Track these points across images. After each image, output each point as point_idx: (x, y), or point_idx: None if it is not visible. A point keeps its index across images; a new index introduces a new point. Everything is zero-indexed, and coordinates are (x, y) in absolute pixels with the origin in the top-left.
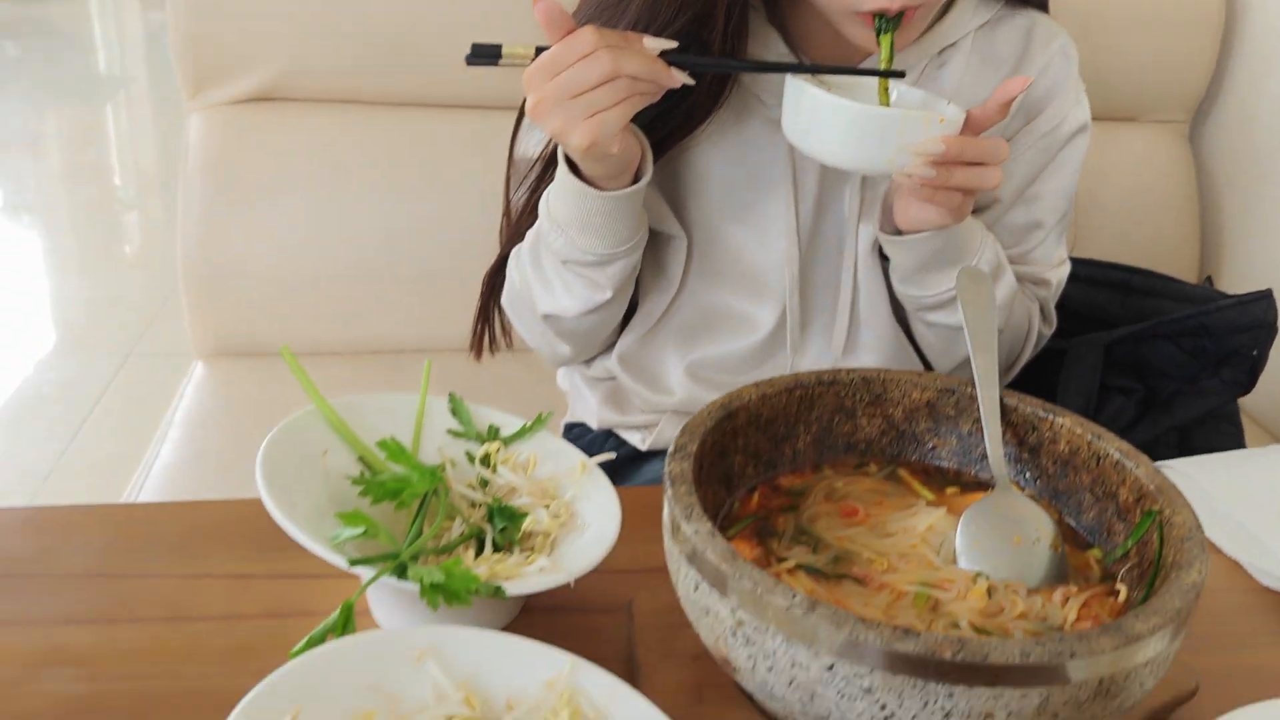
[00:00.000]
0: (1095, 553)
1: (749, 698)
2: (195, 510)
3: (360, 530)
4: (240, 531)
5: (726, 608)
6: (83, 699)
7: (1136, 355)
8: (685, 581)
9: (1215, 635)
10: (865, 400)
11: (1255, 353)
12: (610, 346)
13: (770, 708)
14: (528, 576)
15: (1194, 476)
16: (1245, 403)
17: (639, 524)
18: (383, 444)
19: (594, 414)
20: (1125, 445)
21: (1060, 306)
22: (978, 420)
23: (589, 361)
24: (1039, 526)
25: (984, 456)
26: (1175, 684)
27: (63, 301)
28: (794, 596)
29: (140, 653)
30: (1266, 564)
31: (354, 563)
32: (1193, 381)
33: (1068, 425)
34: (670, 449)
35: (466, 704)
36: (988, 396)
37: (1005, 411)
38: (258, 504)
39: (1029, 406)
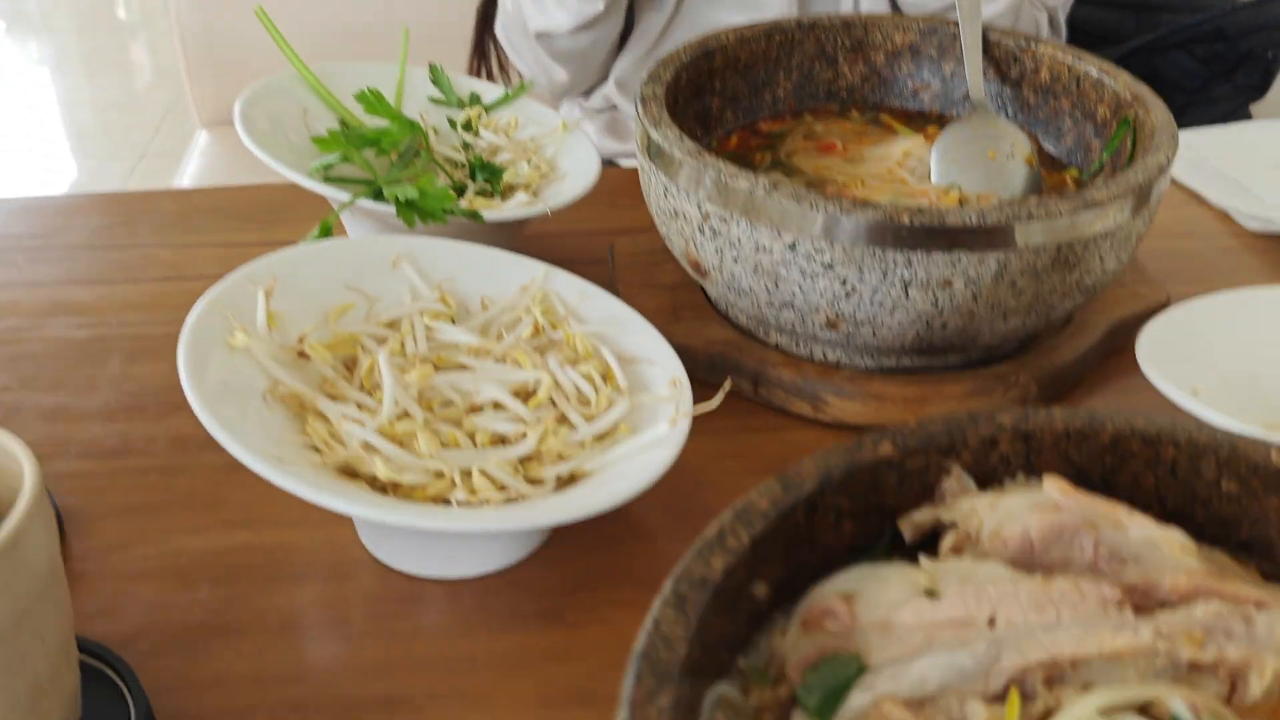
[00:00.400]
0: (1072, 172)
1: (720, 313)
2: (189, 195)
3: (337, 156)
4: (234, 211)
5: (694, 204)
6: (85, 342)
7: (1149, 67)
8: (655, 190)
9: (1195, 269)
10: (847, 45)
11: (1270, 54)
12: (607, 74)
13: (739, 310)
14: (507, 209)
15: (1190, 142)
16: (1257, 110)
17: (623, 197)
18: (360, 96)
19: (594, 144)
20: (1106, 63)
21: (1073, 28)
22: (960, 60)
23: (588, 93)
24: (1014, 142)
25: (966, 97)
26: (1147, 296)
27: (73, 108)
28: (756, 179)
29: (139, 306)
30: (1253, 209)
31: (329, 180)
32: (1204, 90)
33: (1049, 52)
34: (643, 77)
35: (442, 302)
36: (970, 31)
37: (988, 46)
38: (250, 189)
39: (1011, 40)
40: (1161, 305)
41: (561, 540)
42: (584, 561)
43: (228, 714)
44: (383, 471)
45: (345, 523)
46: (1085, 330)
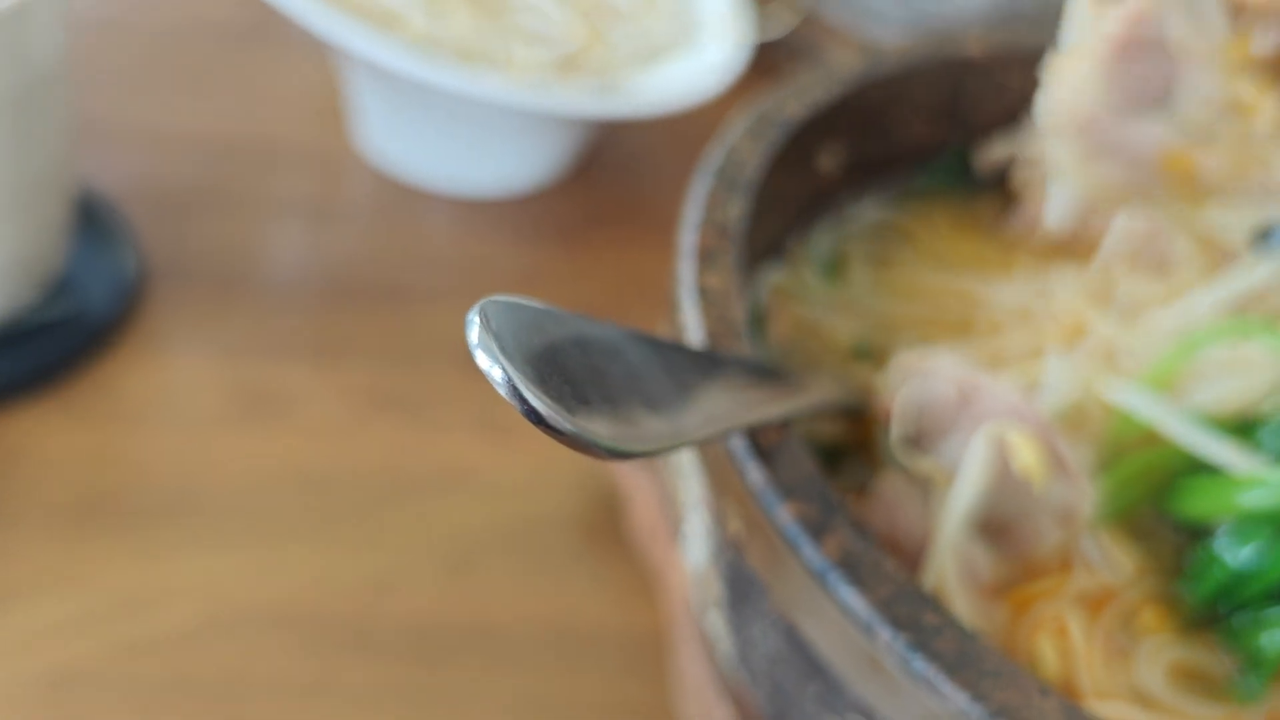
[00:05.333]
0: None
1: None
2: None
3: None
4: None
5: None
6: None
7: None
8: None
9: None
10: None
11: None
12: None
13: None
14: None
15: None
16: None
17: None
18: None
19: None
20: None
21: None
22: None
23: None
24: None
25: None
26: None
27: None
28: None
29: None
30: None
31: None
32: None
33: None
34: None
35: None
36: None
37: None
38: None
39: None
40: None
41: (575, 182)
42: (597, 197)
43: (220, 276)
44: (420, 27)
45: (340, 129)
46: None
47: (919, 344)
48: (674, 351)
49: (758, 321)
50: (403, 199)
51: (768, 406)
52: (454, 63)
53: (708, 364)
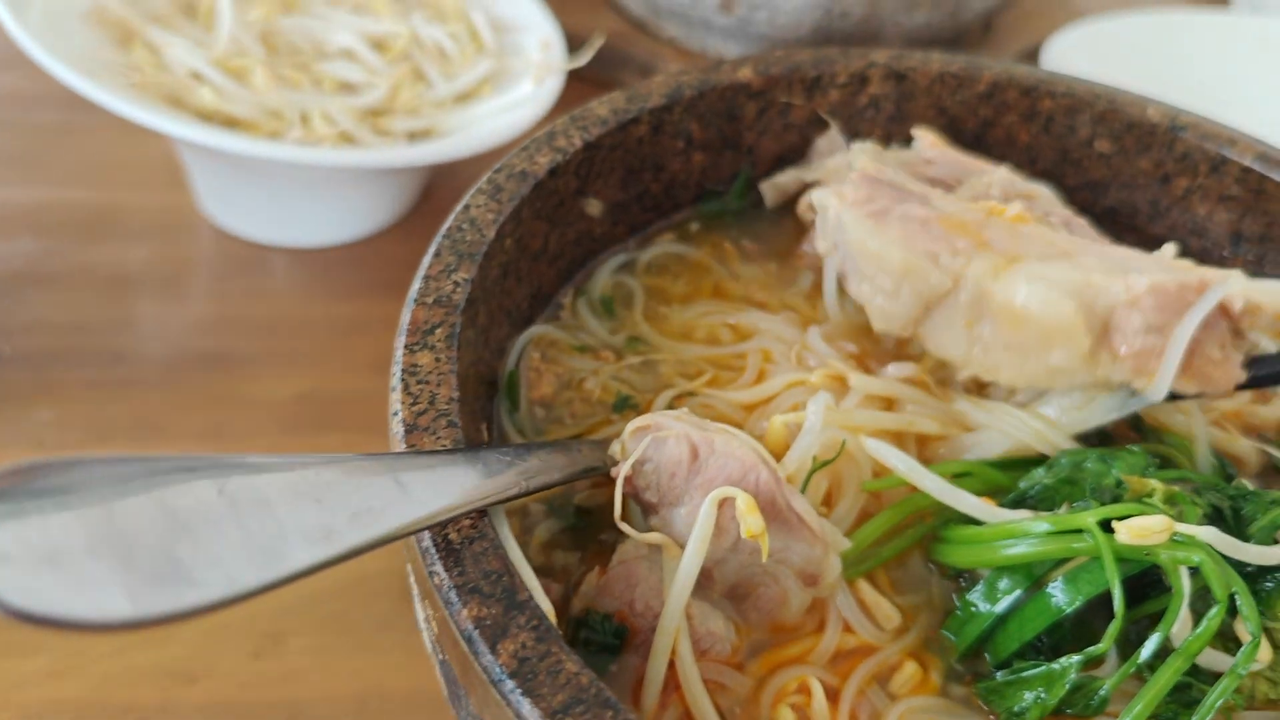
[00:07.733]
0: None
1: (612, 1)
2: None
3: None
4: None
5: None
6: None
7: None
8: None
9: None
10: None
11: None
12: None
13: None
14: None
15: None
16: None
17: None
18: None
19: None
20: None
21: None
22: None
23: None
24: None
25: None
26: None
27: None
28: None
29: None
30: None
31: None
32: None
33: None
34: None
35: None
36: None
37: None
38: None
39: None
40: None
41: (412, 219)
42: (432, 234)
43: (43, 357)
44: (210, 100)
45: (184, 188)
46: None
47: (686, 388)
48: (326, 470)
49: (512, 385)
50: (243, 258)
51: (452, 496)
52: (252, 125)
53: (373, 470)
